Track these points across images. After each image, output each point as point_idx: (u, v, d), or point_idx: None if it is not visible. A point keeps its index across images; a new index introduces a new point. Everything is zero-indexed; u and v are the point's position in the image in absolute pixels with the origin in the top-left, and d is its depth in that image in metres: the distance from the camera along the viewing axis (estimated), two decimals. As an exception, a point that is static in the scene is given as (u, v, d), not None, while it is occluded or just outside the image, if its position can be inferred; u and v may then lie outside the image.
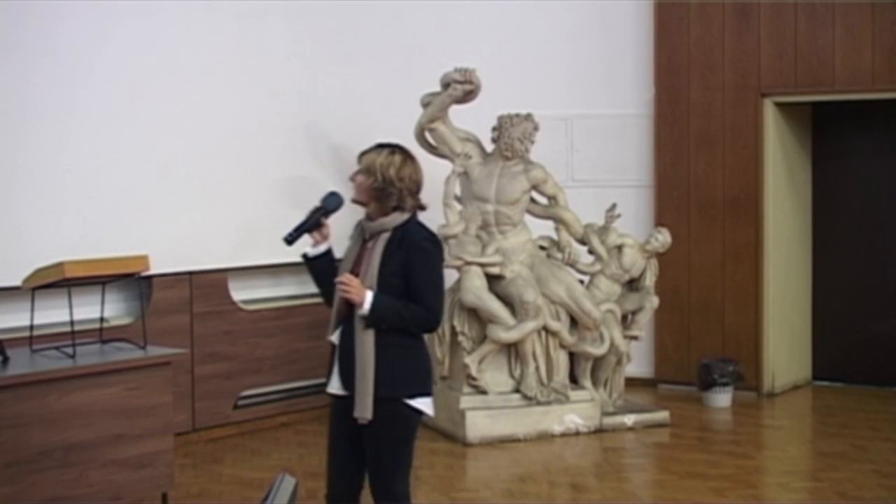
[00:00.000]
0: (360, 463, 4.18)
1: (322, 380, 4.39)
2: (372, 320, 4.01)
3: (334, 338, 4.15)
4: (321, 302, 4.37)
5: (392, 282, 4.04)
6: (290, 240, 4.15)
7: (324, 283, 4.22)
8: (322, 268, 4.22)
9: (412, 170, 4.13)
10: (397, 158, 4.12)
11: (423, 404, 4.15)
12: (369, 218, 4.17)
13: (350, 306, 4.06)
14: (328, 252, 4.23)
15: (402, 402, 4.08)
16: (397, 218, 4.11)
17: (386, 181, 4.08)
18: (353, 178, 4.17)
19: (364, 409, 4.02)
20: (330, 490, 4.27)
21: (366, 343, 4.02)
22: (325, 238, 4.22)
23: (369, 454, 4.13)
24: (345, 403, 4.11)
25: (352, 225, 4.31)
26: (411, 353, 4.14)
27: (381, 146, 4.19)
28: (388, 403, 4.05)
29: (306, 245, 4.27)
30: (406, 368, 4.11)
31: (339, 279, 4.03)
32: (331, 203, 4.21)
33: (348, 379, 4.07)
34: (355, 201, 4.18)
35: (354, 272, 4.09)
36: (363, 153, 4.19)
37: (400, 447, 4.13)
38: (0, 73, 6.48)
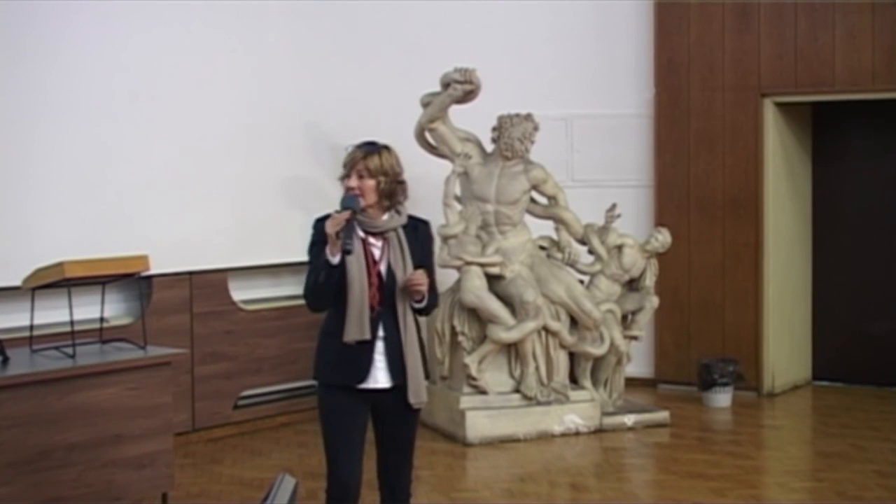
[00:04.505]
0: (362, 459, 4.27)
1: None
2: (426, 310, 4.25)
3: (379, 333, 4.17)
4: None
5: None
6: (352, 248, 4.04)
7: (334, 288, 4.12)
8: (339, 273, 4.12)
9: (400, 161, 4.26)
10: (395, 155, 4.23)
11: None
12: (369, 217, 4.18)
13: (385, 302, 4.16)
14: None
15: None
16: (404, 212, 4.25)
17: (395, 179, 4.19)
18: (354, 186, 4.14)
19: (423, 394, 4.21)
20: (340, 485, 4.23)
21: (414, 333, 4.21)
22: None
23: (399, 442, 4.27)
24: (382, 396, 4.19)
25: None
26: (423, 340, 4.34)
27: (371, 145, 4.22)
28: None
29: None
30: (425, 354, 4.31)
31: (412, 276, 4.11)
32: (357, 205, 4.09)
33: (398, 371, 4.18)
34: (365, 207, 4.15)
35: (376, 269, 4.16)
36: (357, 158, 4.16)
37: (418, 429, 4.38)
38: (1, 74, 6.48)
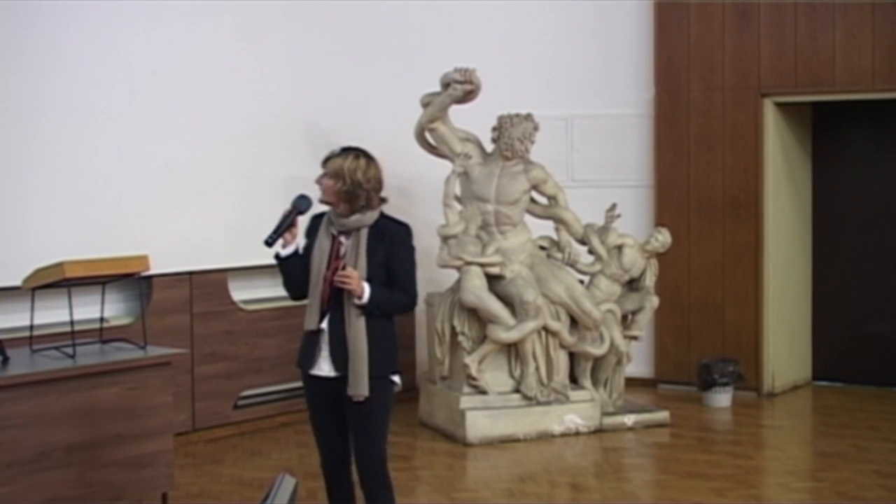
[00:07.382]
0: (345, 435, 4.58)
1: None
2: (369, 308, 4.41)
3: (324, 325, 4.47)
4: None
5: (378, 271, 4.45)
6: (271, 241, 4.45)
7: (294, 279, 4.57)
8: (293, 265, 4.55)
9: (375, 170, 4.49)
10: (362, 162, 4.46)
11: (397, 378, 4.61)
12: (339, 216, 4.48)
13: (335, 296, 4.43)
14: (297, 251, 4.55)
15: (388, 378, 4.53)
16: (372, 214, 4.48)
17: (354, 183, 4.42)
18: (319, 182, 4.48)
19: (362, 388, 4.40)
20: (326, 463, 4.66)
21: (359, 328, 4.42)
22: (294, 238, 4.55)
23: (358, 427, 4.51)
24: (332, 384, 4.48)
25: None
26: (392, 336, 4.58)
27: (345, 151, 4.51)
28: (378, 381, 4.46)
29: (276, 246, 4.53)
30: (389, 349, 4.54)
31: (341, 273, 4.36)
32: (303, 205, 4.53)
33: (340, 362, 4.44)
34: (323, 202, 4.50)
35: (335, 266, 4.44)
36: (327, 158, 4.51)
37: (386, 418, 4.57)
38: (1, 74, 6.48)
